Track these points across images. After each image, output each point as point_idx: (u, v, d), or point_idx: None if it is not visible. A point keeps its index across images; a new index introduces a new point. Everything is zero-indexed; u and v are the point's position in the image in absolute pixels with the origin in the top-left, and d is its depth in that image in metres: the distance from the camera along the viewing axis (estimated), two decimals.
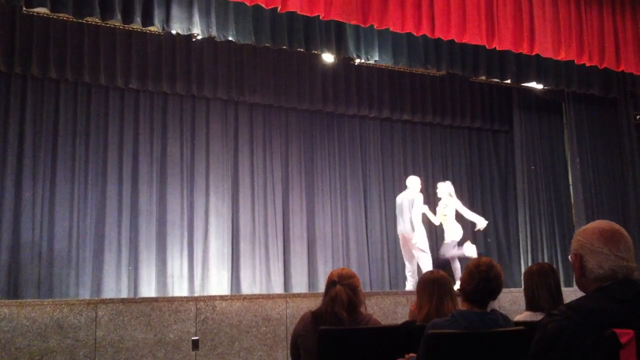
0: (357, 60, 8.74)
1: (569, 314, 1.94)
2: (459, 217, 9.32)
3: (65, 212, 8.38)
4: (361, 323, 3.53)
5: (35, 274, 8.04)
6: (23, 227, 8.08)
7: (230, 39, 7.52)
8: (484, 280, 3.08)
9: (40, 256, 8.12)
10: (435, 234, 10.08)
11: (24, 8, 7.41)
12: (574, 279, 2.21)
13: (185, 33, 7.39)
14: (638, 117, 11.01)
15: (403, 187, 9.42)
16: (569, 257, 2.20)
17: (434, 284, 3.72)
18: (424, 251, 8.80)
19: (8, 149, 8.16)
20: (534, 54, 8.25)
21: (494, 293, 3.14)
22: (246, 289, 9.17)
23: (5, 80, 8.24)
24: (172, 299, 6.92)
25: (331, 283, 3.62)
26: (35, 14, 7.89)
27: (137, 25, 7.32)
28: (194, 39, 8.10)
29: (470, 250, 9.01)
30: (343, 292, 3.54)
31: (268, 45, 7.91)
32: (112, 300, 6.60)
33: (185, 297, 7.49)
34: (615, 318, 1.89)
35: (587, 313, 1.93)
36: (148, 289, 8.60)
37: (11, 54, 8.00)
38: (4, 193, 8.05)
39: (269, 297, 7.25)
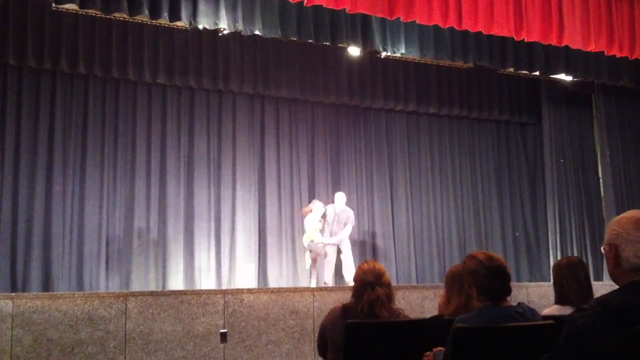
0: (384, 53, 8.69)
1: (599, 310, 1.91)
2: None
3: (95, 206, 8.50)
4: (391, 318, 3.48)
5: (67, 267, 8.19)
6: (54, 221, 8.22)
7: (256, 33, 7.54)
8: (499, 273, 3.01)
9: (70, 249, 8.26)
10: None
11: (53, 4, 7.53)
12: (607, 270, 2.18)
13: (212, 28, 7.44)
14: None
15: (429, 182, 9.30)
16: (602, 247, 2.16)
17: (462, 277, 3.66)
18: None
19: (38, 144, 8.30)
20: (562, 45, 8.12)
21: (508, 284, 3.06)
22: (273, 281, 9.21)
23: (35, 76, 8.37)
24: (200, 292, 6.99)
25: (368, 284, 3.41)
26: (64, 10, 7.98)
27: (164, 20, 7.38)
28: (220, 34, 8.13)
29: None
30: (384, 294, 3.39)
31: (294, 39, 7.91)
32: (141, 293, 6.68)
33: (213, 290, 7.56)
34: None
35: (617, 308, 1.90)
36: (176, 282, 8.69)
37: (41, 50, 8.12)
38: (35, 187, 8.19)
39: (296, 290, 7.28)
